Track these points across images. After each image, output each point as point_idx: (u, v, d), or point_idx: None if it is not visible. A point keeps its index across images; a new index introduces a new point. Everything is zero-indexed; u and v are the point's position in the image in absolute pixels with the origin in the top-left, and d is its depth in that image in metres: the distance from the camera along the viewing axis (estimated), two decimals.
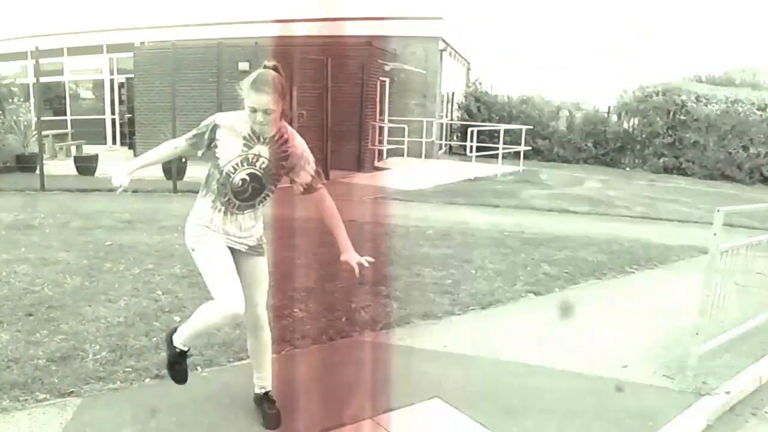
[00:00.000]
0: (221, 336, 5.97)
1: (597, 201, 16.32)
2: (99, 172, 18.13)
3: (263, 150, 4.20)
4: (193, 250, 4.29)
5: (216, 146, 4.19)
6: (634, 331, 6.69)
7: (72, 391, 4.91)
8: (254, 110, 4.04)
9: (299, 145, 4.33)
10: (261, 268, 4.53)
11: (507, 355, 5.90)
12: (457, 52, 30.12)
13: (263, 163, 4.22)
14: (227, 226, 4.30)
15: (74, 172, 18.30)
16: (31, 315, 6.43)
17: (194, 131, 4.28)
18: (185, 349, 4.40)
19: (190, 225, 4.34)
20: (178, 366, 4.46)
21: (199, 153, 4.29)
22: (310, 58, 18.59)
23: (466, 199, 15.24)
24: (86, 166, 18.50)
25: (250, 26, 23.37)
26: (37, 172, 16.22)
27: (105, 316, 6.38)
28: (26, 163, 18.73)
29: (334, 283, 7.78)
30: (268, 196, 4.38)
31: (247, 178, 4.20)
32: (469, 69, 36.69)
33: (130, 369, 5.26)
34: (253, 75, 4.09)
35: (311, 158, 4.38)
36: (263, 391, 4.69)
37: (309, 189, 4.42)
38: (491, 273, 8.46)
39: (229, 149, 4.17)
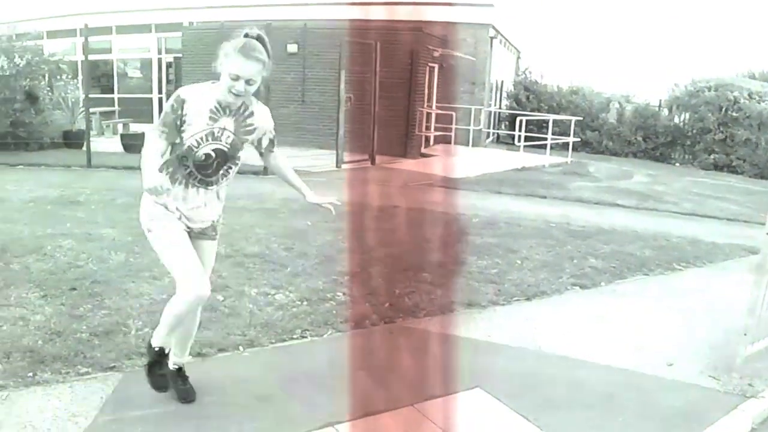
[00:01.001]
0: (263, 317, 5.98)
1: (645, 195, 16.12)
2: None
3: (228, 123, 4.06)
4: (149, 230, 4.19)
5: (183, 121, 3.98)
6: (681, 329, 6.57)
7: (114, 366, 4.94)
8: (237, 78, 3.88)
9: (265, 118, 4.22)
10: (209, 252, 4.40)
11: (550, 347, 5.84)
12: (507, 39, 29.90)
13: (228, 137, 4.08)
14: (187, 202, 4.15)
15: (120, 149, 18.49)
16: (74, 289, 6.48)
17: (161, 123, 4.01)
18: (164, 347, 4.36)
19: (146, 203, 4.21)
20: (156, 369, 4.39)
21: (177, 139, 4.03)
22: (359, 42, 18.52)
23: (512, 189, 15.13)
24: (132, 143, 18.62)
25: (300, 8, 23.37)
26: (84, 148, 16.38)
27: (148, 293, 6.41)
28: (73, 140, 18.92)
29: (378, 267, 7.77)
30: (231, 170, 4.23)
31: (212, 153, 4.06)
32: (519, 57, 36.42)
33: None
34: (239, 41, 3.94)
35: (271, 126, 4.30)
36: (176, 367, 4.58)
37: (266, 153, 4.36)
38: (537, 264, 8.39)
39: (195, 123, 3.99)
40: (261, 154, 4.38)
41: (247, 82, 3.91)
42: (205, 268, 4.31)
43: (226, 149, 4.09)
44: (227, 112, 4.04)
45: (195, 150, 4.01)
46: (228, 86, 3.91)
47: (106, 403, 4.42)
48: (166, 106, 4.01)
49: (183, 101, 3.95)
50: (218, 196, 4.28)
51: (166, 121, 3.98)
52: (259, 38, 4.01)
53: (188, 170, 4.07)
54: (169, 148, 4.06)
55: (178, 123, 3.97)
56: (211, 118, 4.00)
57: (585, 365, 5.53)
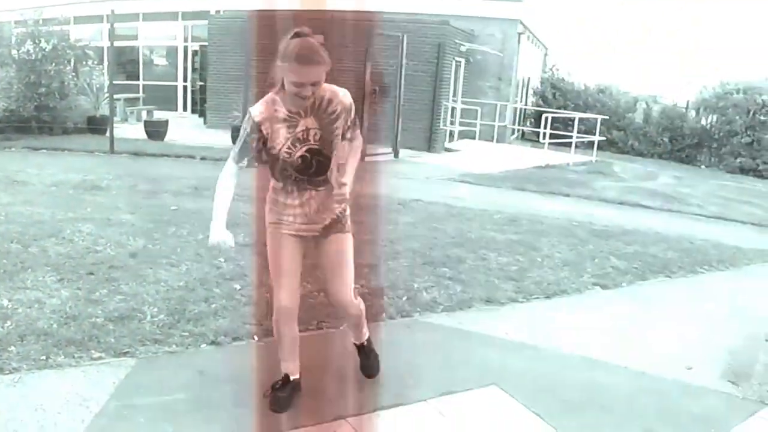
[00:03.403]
0: None
1: (670, 197, 16.00)
2: (168, 137, 18.33)
3: (310, 122, 3.97)
4: (270, 224, 4.22)
5: (266, 139, 3.95)
6: (701, 333, 6.48)
7: (127, 352, 4.93)
8: (301, 84, 3.76)
9: (343, 99, 4.10)
10: (341, 244, 4.36)
11: (569, 347, 5.76)
12: (535, 36, 29.79)
13: (316, 134, 3.99)
14: (303, 206, 4.12)
15: (144, 136, 18.57)
16: (92, 274, 6.48)
17: (239, 149, 4.02)
18: (288, 374, 4.44)
19: (269, 204, 4.23)
20: (279, 390, 4.40)
21: (255, 162, 4.09)
22: (386, 34, 18.48)
23: (536, 186, 15.06)
24: (156, 131, 18.73)
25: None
26: (107, 134, 16.46)
27: (166, 280, 6.39)
28: (97, 125, 19.04)
29: (398, 261, 7.72)
30: (332, 163, 4.13)
31: (307, 155, 3.98)
32: (546, 54, 36.29)
33: (186, 333, 5.25)
34: (292, 47, 3.74)
35: (351, 105, 4.19)
36: (357, 344, 4.80)
37: (352, 138, 4.28)
38: (558, 262, 8.31)
39: (277, 137, 3.94)
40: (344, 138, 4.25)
41: (314, 84, 3.81)
42: (340, 265, 4.36)
43: (318, 147, 4.01)
44: (302, 114, 3.96)
45: (289, 158, 3.97)
46: (294, 92, 3.82)
47: (118, 389, 4.40)
48: (243, 130, 3.99)
49: (258, 124, 3.92)
50: (329, 191, 4.22)
51: (246, 147, 3.99)
52: (309, 35, 3.86)
53: (294, 177, 4.06)
54: (275, 167, 4.08)
55: (263, 143, 3.98)
56: (289, 126, 3.94)
57: (604, 366, 5.44)
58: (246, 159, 4.02)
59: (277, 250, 4.19)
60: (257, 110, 3.97)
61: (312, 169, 4.05)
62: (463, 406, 4.60)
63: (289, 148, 3.95)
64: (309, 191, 4.10)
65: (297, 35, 3.81)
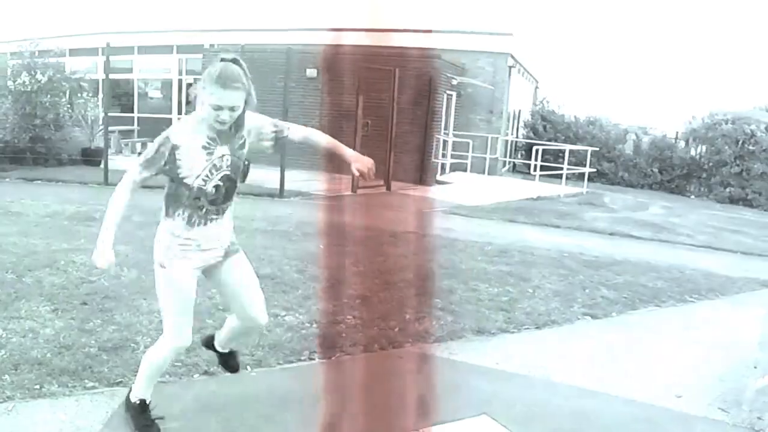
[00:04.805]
0: (272, 338, 5.98)
1: (660, 227, 16.05)
2: None
3: (224, 149, 3.92)
4: (162, 266, 4.01)
5: (178, 166, 3.81)
6: (691, 361, 6.52)
7: (121, 381, 4.96)
8: (219, 108, 3.72)
9: (250, 121, 4.06)
10: (245, 264, 4.29)
11: (560, 376, 5.80)
12: (525, 69, 29.98)
13: (228, 161, 3.94)
14: (207, 237, 4.02)
15: None
16: (86, 304, 6.53)
17: (145, 160, 3.83)
18: (144, 399, 4.26)
19: (164, 237, 4.03)
20: (143, 421, 4.26)
21: (154, 173, 3.86)
22: (378, 68, 18.61)
23: (527, 218, 15.10)
24: None
25: (319, 33, 23.47)
26: (102, 166, 16.53)
27: (159, 310, 6.41)
28: (91, 157, 19.11)
29: (389, 292, 7.76)
30: (236, 187, 4.09)
31: (220, 183, 3.93)
32: (537, 87, 36.52)
33: (179, 364, 5.26)
34: (215, 70, 3.73)
35: (266, 120, 4.18)
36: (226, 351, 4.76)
37: (280, 139, 4.24)
38: (548, 293, 8.36)
39: (194, 165, 3.83)
40: (276, 144, 4.27)
41: (231, 109, 3.76)
42: (251, 283, 4.30)
43: (230, 173, 3.98)
44: (220, 140, 3.90)
45: (204, 187, 3.89)
46: (213, 117, 3.77)
47: (111, 418, 4.43)
48: (152, 148, 3.82)
49: (175, 147, 3.79)
50: (229, 215, 4.17)
51: (151, 163, 3.82)
52: (234, 61, 3.83)
53: (204, 209, 3.95)
54: (181, 196, 3.92)
55: (163, 163, 3.81)
56: (207, 153, 3.86)
57: (594, 396, 5.49)
58: (149, 175, 3.85)
59: (179, 286, 4.02)
60: (175, 131, 3.88)
61: (221, 196, 4.00)
62: None
63: (205, 177, 3.87)
64: (215, 219, 4.03)
65: (223, 60, 3.80)
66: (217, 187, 3.92)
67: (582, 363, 6.22)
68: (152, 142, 3.84)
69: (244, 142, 4.07)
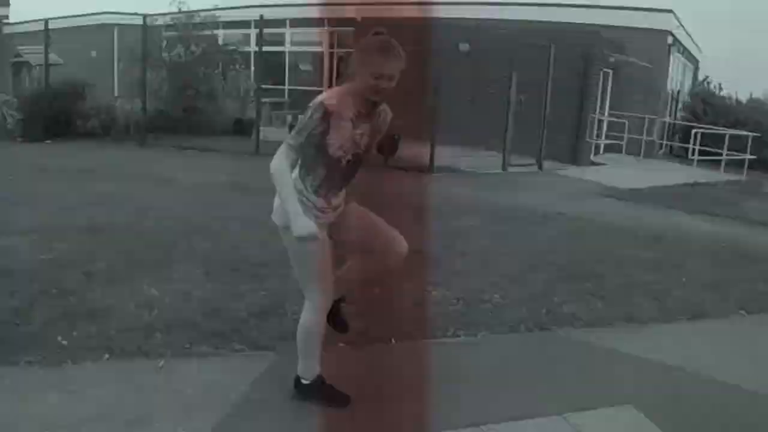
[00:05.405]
0: (417, 312, 5.97)
1: None
2: None
3: (366, 127, 4.01)
4: (287, 227, 3.95)
5: (327, 133, 3.88)
6: None
7: (267, 346, 5.09)
8: (380, 76, 3.79)
9: (390, 117, 4.18)
10: (360, 209, 4.36)
11: (710, 371, 5.55)
12: (686, 48, 29.00)
13: (365, 140, 4.04)
14: (334, 206, 4.15)
15: None
16: (237, 270, 6.69)
17: (301, 130, 3.87)
18: (319, 374, 4.36)
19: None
20: (333, 393, 4.38)
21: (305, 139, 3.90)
22: (533, 44, 18.32)
23: (683, 204, 14.60)
24: None
25: (472, 8, 23.27)
26: (253, 137, 16.94)
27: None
28: (243, 128, 19.61)
29: (538, 274, 7.66)
30: (360, 165, 4.18)
31: (351, 158, 4.01)
32: (697, 68, 35.28)
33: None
34: (374, 42, 3.87)
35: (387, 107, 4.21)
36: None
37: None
38: (702, 283, 8.04)
39: (338, 135, 3.89)
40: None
41: (389, 78, 3.84)
42: (371, 217, 4.35)
43: (361, 152, 4.08)
44: (363, 117, 3.99)
45: (342, 161, 3.99)
46: (372, 85, 3.83)
47: (257, 381, 4.55)
48: (310, 119, 3.86)
49: (328, 114, 3.84)
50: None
51: (305, 128, 3.87)
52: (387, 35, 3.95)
53: (333, 181, 4.05)
54: (317, 162, 4.00)
55: (323, 133, 3.88)
56: (353, 127, 3.95)
57: (747, 395, 5.24)
58: (302, 140, 3.89)
59: (319, 254, 4.08)
60: (330, 98, 3.92)
61: (349, 173, 4.10)
62: (598, 423, 4.52)
63: (345, 149, 3.95)
64: (342, 191, 4.17)
65: (377, 33, 3.91)
66: (348, 161, 4.01)
67: (734, 359, 5.95)
68: (302, 114, 3.90)
69: (383, 130, 4.17)
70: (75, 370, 4.55)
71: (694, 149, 21.93)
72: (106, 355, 4.77)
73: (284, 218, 3.98)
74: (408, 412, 4.41)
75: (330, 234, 4.24)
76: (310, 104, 3.91)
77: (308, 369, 4.34)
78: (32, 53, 22.15)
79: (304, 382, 4.36)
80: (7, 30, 32.43)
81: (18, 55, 24.35)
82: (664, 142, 27.82)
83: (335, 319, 4.65)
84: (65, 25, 27.60)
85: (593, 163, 21.04)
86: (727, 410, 4.94)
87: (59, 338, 4.95)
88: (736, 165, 22.81)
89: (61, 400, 4.17)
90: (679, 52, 27.23)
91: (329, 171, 4.00)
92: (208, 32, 20.50)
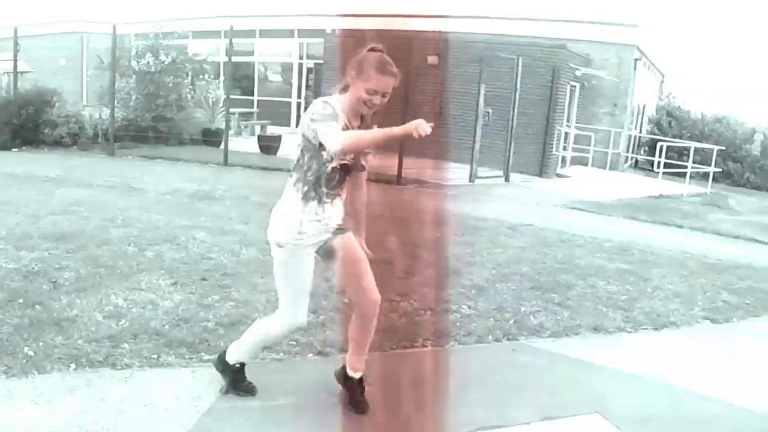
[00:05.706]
0: (387, 322, 5.98)
1: None
2: (281, 152, 18.70)
3: None
4: (280, 246, 4.13)
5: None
6: None
7: None
8: (374, 92, 3.90)
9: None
10: (353, 243, 4.36)
11: (676, 379, 5.62)
12: (652, 63, 29.29)
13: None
14: (325, 217, 4.13)
15: (257, 150, 19.05)
16: (205, 280, 6.70)
17: (326, 117, 3.89)
18: (244, 362, 4.47)
19: (282, 223, 4.16)
20: (241, 382, 4.49)
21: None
22: (500, 56, 18.43)
23: (648, 216, 14.73)
24: (269, 145, 19.25)
25: (440, 21, 23.34)
26: (222, 147, 16.97)
27: (276, 289, 6.50)
28: (212, 138, 19.64)
29: (506, 284, 7.70)
30: (348, 177, 4.23)
31: (338, 166, 4.05)
32: (662, 81, 35.64)
33: (294, 342, 5.34)
34: (371, 58, 3.94)
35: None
36: (359, 375, 4.52)
37: (361, 168, 4.34)
38: (668, 294, 8.12)
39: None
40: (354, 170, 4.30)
41: (383, 95, 3.93)
42: (359, 260, 4.35)
43: (349, 163, 4.12)
44: (353, 127, 4.04)
45: (328, 166, 4.04)
46: (364, 100, 3.93)
47: (227, 391, 4.51)
48: (329, 116, 3.88)
49: (336, 116, 3.90)
50: (342, 198, 4.30)
51: (333, 117, 3.90)
52: (382, 51, 4.03)
53: (320, 187, 4.08)
54: (311, 170, 4.07)
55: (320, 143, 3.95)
56: None
57: (712, 402, 5.29)
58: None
59: (298, 265, 4.16)
60: (335, 103, 3.98)
61: (334, 182, 4.14)
62: None
63: (333, 156, 3.99)
64: (331, 201, 4.16)
65: (373, 49, 3.99)
66: (334, 169, 4.05)
67: (699, 367, 6.02)
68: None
69: None
70: (41, 381, 4.50)
71: (659, 162, 22.13)
72: (73, 365, 4.72)
73: (276, 235, 4.13)
74: (370, 422, 4.44)
75: (322, 255, 4.31)
76: (318, 101, 4.00)
77: (241, 353, 4.44)
78: (1, 61, 21.97)
79: (229, 359, 4.46)
80: None
81: None
82: (630, 155, 28.09)
83: (354, 399, 4.54)
84: (34, 33, 27.46)
85: (559, 176, 21.20)
86: (695, 419, 5.00)
87: (25, 348, 4.90)
88: (700, 177, 23.09)
89: (27, 410, 4.13)
90: (645, 66, 27.48)
91: (318, 177, 4.06)
92: (177, 42, 20.45)
